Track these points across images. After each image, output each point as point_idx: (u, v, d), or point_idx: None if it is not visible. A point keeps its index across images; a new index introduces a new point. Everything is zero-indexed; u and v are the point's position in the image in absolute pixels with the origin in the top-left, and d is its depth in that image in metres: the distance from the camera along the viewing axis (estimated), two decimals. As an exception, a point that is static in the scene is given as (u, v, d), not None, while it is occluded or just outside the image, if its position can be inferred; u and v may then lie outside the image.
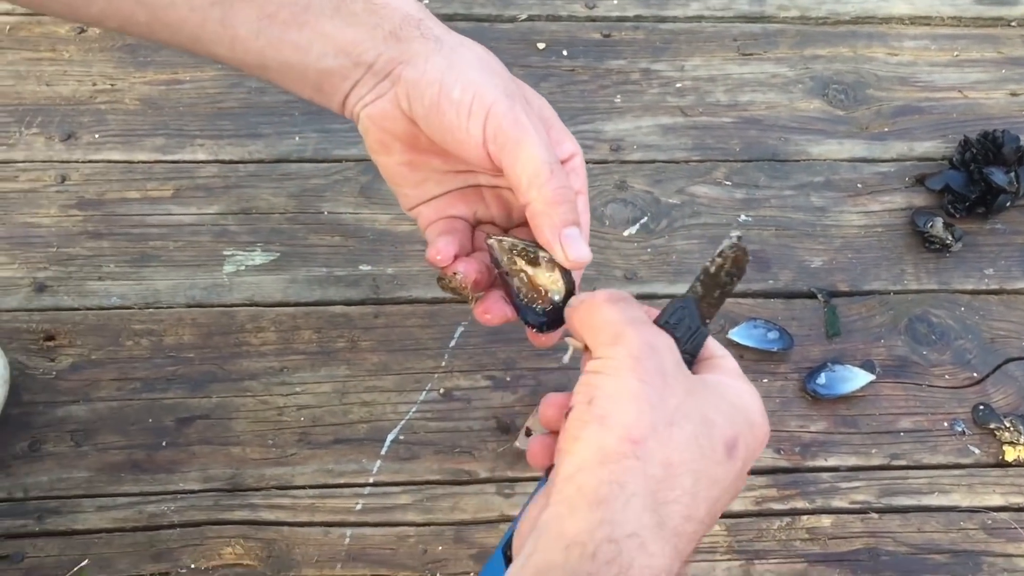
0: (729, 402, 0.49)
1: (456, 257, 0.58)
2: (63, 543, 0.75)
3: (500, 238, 0.57)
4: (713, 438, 0.46)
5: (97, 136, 0.95)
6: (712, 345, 0.53)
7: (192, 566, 0.75)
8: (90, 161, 0.94)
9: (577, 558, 0.42)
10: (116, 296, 0.86)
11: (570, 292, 0.57)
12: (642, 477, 0.44)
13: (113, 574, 0.74)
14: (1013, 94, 1.05)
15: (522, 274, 0.57)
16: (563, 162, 0.57)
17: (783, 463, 0.81)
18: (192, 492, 0.77)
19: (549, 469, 0.51)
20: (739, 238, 0.51)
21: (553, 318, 0.56)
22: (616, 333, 0.48)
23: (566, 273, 0.56)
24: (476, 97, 0.53)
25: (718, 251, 0.51)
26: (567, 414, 0.47)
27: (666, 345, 0.48)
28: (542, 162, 0.53)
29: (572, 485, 0.45)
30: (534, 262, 0.56)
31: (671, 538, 0.44)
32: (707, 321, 0.52)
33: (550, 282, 0.56)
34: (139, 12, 0.57)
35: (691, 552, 0.47)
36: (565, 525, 0.44)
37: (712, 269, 0.52)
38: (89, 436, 0.79)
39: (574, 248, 0.53)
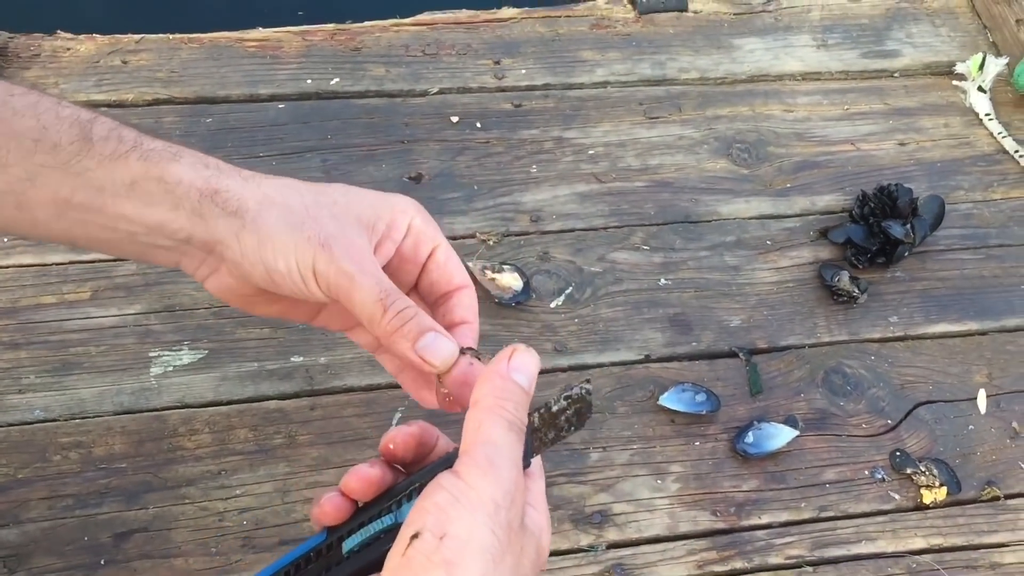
0: (536, 548, 0.50)
1: None
2: None
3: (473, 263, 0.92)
4: None
5: (6, 240, 0.92)
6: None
7: None
8: (1, 267, 0.91)
9: None
10: (39, 409, 0.84)
11: (526, 284, 0.94)
12: None
13: None
14: (901, 144, 1.12)
15: (493, 280, 0.93)
16: (447, 295, 0.59)
17: (720, 524, 0.84)
18: (136, 611, 0.76)
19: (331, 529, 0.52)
20: (587, 392, 0.52)
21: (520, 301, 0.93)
22: (493, 461, 0.47)
23: (521, 272, 0.94)
24: (299, 263, 0.54)
25: (564, 394, 0.51)
26: (412, 538, 0.45)
27: (522, 499, 0.49)
28: (371, 303, 0.54)
29: None
30: (499, 271, 0.94)
31: None
32: (531, 458, 0.51)
33: (512, 281, 0.94)
34: None
35: None
36: None
37: (554, 408, 0.51)
38: (23, 561, 0.77)
39: (432, 354, 0.54)
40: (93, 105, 1.02)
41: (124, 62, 1.07)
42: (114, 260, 0.92)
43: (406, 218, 0.59)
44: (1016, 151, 1.11)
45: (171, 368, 0.87)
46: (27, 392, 0.85)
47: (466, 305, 0.60)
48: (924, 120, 1.14)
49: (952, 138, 1.13)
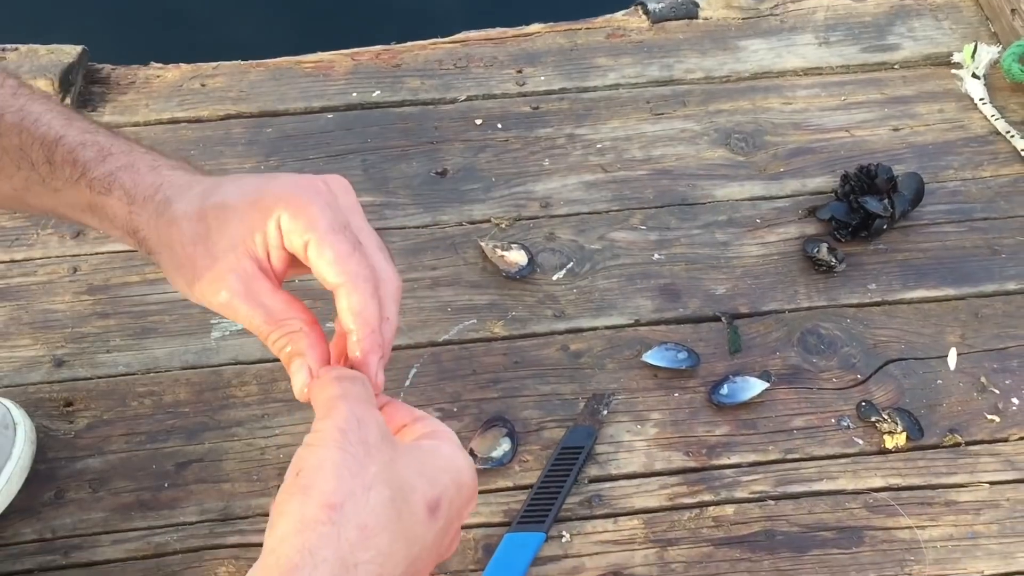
0: (437, 466, 0.53)
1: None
2: (86, 573, 0.90)
3: (485, 242, 1.08)
4: (412, 501, 0.50)
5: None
6: (435, 423, 0.58)
7: (193, 585, 0.89)
8: (97, 253, 1.10)
9: None
10: (122, 365, 1.02)
11: (531, 260, 1.07)
12: (335, 542, 0.47)
13: (128, 596, 0.89)
14: (895, 129, 1.20)
15: (501, 256, 1.07)
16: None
17: (692, 463, 0.94)
18: (191, 523, 0.92)
19: None
20: None
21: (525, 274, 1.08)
22: (329, 407, 0.52)
23: (527, 249, 1.08)
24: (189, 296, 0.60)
25: None
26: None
27: (374, 419, 0.52)
28: (257, 329, 0.59)
29: (272, 557, 0.47)
30: (507, 249, 1.07)
31: None
32: None
33: (518, 257, 1.07)
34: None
35: None
36: None
37: None
38: (104, 483, 0.94)
39: (295, 381, 0.59)
40: (175, 121, 1.21)
41: (203, 85, 1.26)
42: (186, 246, 1.11)
43: (274, 220, 0.57)
44: (1008, 131, 1.17)
45: (228, 332, 1.04)
46: (113, 352, 1.03)
47: (343, 308, 0.58)
48: (919, 107, 1.22)
49: (946, 122, 1.20)
